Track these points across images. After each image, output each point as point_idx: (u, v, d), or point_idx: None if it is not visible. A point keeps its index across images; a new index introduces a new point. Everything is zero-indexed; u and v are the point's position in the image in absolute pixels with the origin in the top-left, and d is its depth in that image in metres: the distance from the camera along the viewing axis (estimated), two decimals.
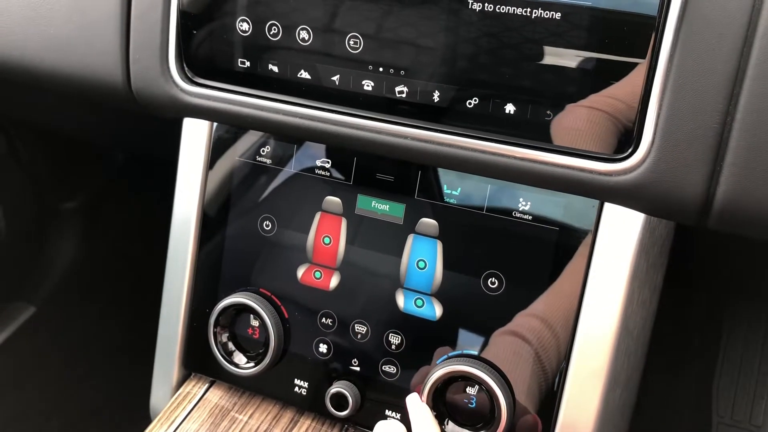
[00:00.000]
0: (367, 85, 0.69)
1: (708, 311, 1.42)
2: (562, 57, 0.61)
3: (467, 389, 0.71)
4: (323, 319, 0.78)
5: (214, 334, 0.80)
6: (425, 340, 0.74)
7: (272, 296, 0.80)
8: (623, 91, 0.60)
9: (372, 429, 0.77)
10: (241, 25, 0.72)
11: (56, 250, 1.48)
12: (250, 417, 0.81)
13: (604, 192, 0.64)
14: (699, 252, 1.08)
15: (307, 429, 0.80)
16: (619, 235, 0.65)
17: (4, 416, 1.32)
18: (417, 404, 0.70)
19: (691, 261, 1.14)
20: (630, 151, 0.61)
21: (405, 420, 0.75)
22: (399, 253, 0.75)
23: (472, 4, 0.62)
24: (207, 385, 0.85)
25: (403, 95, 0.68)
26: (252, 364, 0.79)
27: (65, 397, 1.43)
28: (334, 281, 0.78)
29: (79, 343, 1.48)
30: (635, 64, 0.59)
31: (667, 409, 1.36)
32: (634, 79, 0.60)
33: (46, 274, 1.46)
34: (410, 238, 0.74)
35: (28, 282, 1.43)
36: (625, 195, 0.63)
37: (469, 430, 0.71)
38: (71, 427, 1.42)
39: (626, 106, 0.61)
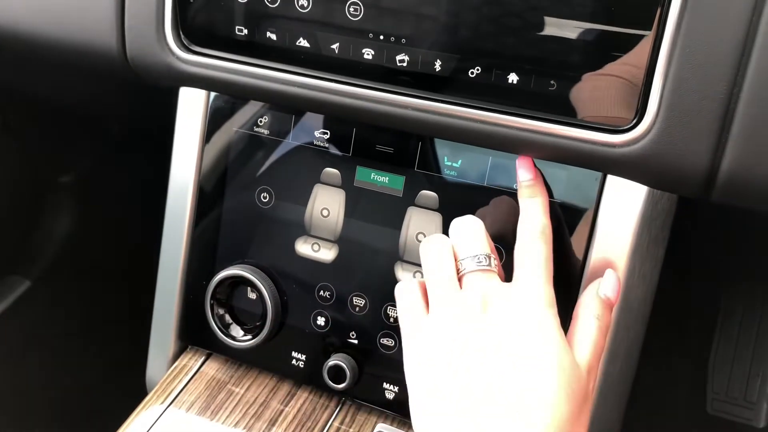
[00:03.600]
0: (368, 53, 0.67)
1: (705, 290, 1.42)
2: (566, 26, 0.60)
3: None
4: (321, 292, 0.77)
5: (211, 306, 0.80)
6: None
7: (270, 269, 0.79)
8: (628, 60, 0.59)
9: (369, 402, 0.77)
10: None
11: (52, 223, 1.47)
12: (246, 390, 0.81)
13: (607, 164, 0.63)
14: (698, 232, 1.08)
15: (304, 402, 0.79)
16: (621, 208, 0.65)
17: (1, 390, 1.32)
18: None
19: (690, 241, 1.14)
20: (634, 122, 0.60)
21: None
22: (398, 226, 0.74)
23: None
24: (203, 358, 0.85)
25: (404, 64, 0.66)
26: (249, 337, 0.79)
27: (62, 371, 1.43)
28: (332, 254, 0.77)
29: (75, 317, 1.47)
30: (641, 35, 0.58)
31: (662, 384, 1.37)
32: (640, 49, 0.58)
33: (42, 248, 1.45)
34: (410, 210, 0.73)
35: (23, 256, 1.42)
36: (629, 167, 0.62)
37: None
38: (68, 400, 1.42)
39: (631, 76, 0.59)
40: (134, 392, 0.89)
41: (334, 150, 0.76)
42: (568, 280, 0.67)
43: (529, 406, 0.49)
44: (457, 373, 0.52)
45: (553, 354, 0.51)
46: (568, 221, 0.67)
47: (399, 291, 0.61)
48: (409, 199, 0.73)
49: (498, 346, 0.52)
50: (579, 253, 0.67)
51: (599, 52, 0.59)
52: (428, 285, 0.58)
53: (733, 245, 1.15)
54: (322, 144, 0.76)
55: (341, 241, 0.76)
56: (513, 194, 0.69)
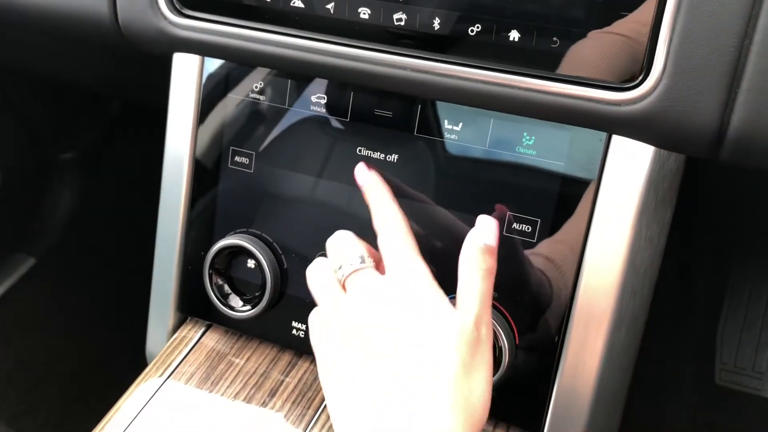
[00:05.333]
0: (364, 13, 0.65)
1: (714, 259, 1.40)
2: None
3: None
4: None
5: (210, 276, 0.78)
6: None
7: (268, 238, 0.78)
8: (633, 14, 0.57)
9: None
10: None
11: (55, 201, 1.46)
12: (246, 360, 0.80)
13: (612, 123, 0.60)
14: (707, 198, 1.06)
15: (305, 372, 0.78)
16: (627, 169, 0.63)
17: (6, 367, 1.33)
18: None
19: (699, 208, 1.12)
20: (640, 78, 0.58)
21: None
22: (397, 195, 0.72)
23: None
24: (203, 329, 0.84)
25: (402, 23, 0.64)
26: (248, 307, 0.78)
27: (67, 346, 1.43)
28: (331, 222, 0.75)
29: (79, 293, 1.48)
30: None
31: (670, 354, 1.36)
32: (645, 1, 0.56)
33: (46, 226, 1.45)
34: (411, 176, 0.71)
35: (27, 233, 1.42)
36: (635, 126, 0.60)
37: None
38: (73, 376, 1.43)
39: (636, 30, 0.57)
40: (139, 365, 0.89)
41: (331, 115, 0.74)
42: (570, 243, 0.65)
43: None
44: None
45: (436, 311, 0.55)
46: (572, 184, 0.65)
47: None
48: (410, 164, 0.71)
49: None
50: (583, 217, 0.65)
51: (602, 5, 0.57)
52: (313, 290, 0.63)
53: (743, 210, 1.13)
54: (319, 109, 0.74)
55: (341, 208, 0.75)
56: (515, 156, 0.66)
